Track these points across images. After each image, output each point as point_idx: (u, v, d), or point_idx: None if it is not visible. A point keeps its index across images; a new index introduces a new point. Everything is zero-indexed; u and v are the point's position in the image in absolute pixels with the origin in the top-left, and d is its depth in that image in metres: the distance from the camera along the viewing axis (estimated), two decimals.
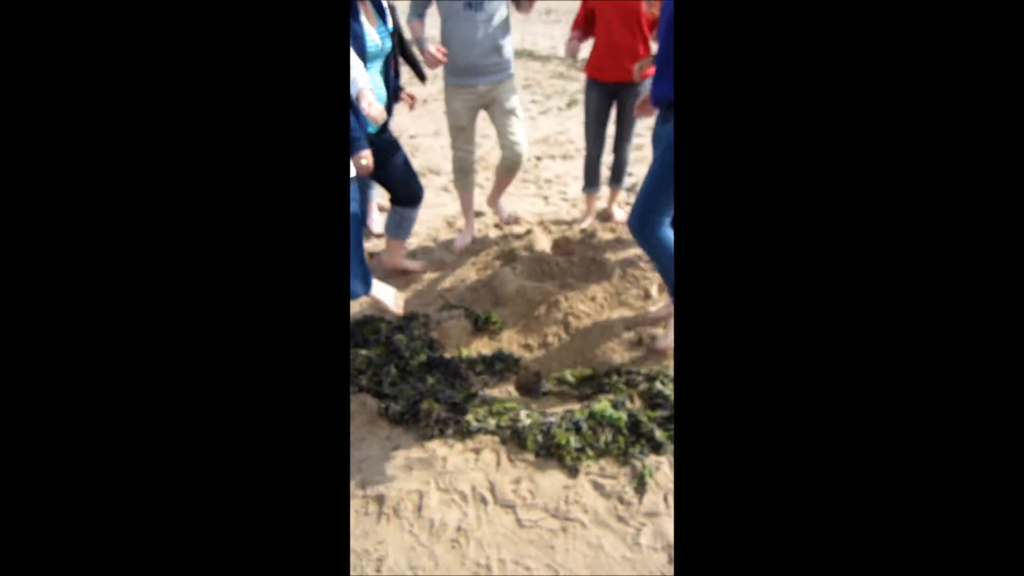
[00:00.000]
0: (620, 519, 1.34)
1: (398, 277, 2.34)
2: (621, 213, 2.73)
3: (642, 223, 1.58)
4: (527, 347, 1.93)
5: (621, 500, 1.38)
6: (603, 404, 1.55)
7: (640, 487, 1.40)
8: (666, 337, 1.85)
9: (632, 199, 2.86)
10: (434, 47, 2.05)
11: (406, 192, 2.11)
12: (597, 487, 1.41)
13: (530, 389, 1.78)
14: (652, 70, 1.89)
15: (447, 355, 1.85)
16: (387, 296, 1.94)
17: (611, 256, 2.38)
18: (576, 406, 1.62)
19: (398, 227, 2.22)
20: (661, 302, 2.06)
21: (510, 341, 1.96)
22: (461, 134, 2.28)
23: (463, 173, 2.38)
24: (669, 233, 1.59)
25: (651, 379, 1.67)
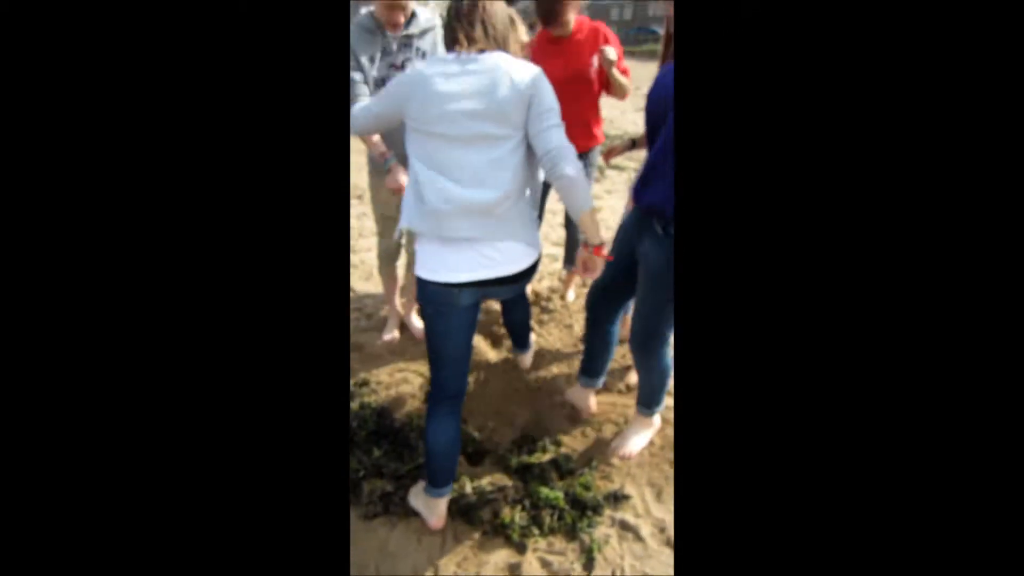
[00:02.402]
0: None
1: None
2: (573, 295, 2.61)
3: (642, 348, 1.54)
4: (478, 413, 1.91)
5: None
6: (538, 486, 1.55)
7: (588, 563, 1.37)
8: (624, 443, 1.71)
9: None
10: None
11: None
12: (545, 565, 1.37)
13: (474, 460, 1.75)
14: (614, 155, 1.77)
15: (397, 424, 1.81)
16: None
17: (579, 314, 2.41)
18: (517, 482, 1.59)
19: None
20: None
21: (464, 406, 1.93)
22: (390, 223, 2.06)
23: (389, 260, 2.17)
24: (668, 355, 1.57)
25: (578, 473, 1.62)
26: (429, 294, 1.26)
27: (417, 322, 2.38)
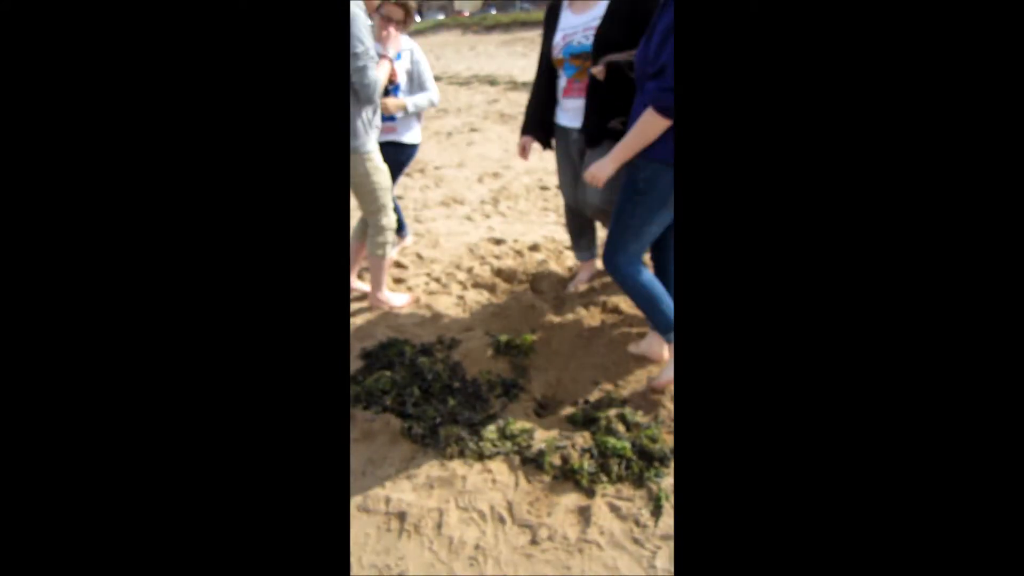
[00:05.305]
0: (636, 541, 1.36)
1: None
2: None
3: (608, 263, 1.73)
4: (542, 371, 1.98)
5: (637, 523, 1.40)
6: (605, 436, 1.60)
7: (656, 510, 1.42)
8: (663, 374, 1.81)
9: None
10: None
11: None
12: (614, 509, 1.43)
13: (539, 413, 1.82)
14: None
15: (469, 377, 1.90)
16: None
17: None
18: (584, 432, 1.66)
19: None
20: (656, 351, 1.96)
21: (531, 364, 2.01)
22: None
23: (356, 235, 2.44)
24: (637, 271, 1.71)
25: (644, 427, 1.66)
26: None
27: (362, 285, 2.50)
